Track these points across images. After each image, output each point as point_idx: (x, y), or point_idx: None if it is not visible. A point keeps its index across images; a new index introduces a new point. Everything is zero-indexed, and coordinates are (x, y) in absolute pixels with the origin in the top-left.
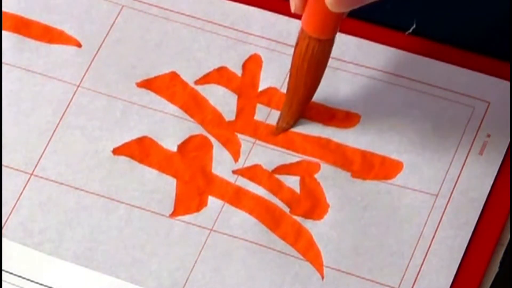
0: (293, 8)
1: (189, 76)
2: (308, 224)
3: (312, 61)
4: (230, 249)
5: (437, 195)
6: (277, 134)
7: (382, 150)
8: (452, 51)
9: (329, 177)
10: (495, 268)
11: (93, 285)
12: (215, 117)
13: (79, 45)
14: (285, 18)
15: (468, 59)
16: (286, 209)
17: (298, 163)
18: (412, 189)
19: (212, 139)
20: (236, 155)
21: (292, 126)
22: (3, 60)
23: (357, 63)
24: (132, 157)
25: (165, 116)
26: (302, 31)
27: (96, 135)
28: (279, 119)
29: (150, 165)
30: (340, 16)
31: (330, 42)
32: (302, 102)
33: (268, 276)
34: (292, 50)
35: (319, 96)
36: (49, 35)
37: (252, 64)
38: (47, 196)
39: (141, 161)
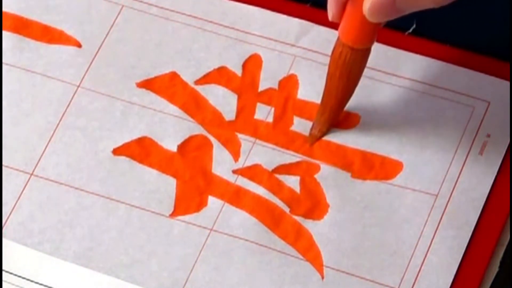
0: (330, 17)
1: (189, 76)
2: (308, 224)
3: (344, 69)
4: (230, 249)
5: (437, 195)
6: (311, 143)
7: (382, 150)
8: (452, 51)
9: (329, 177)
10: (495, 268)
11: (93, 285)
12: (215, 117)
13: (79, 45)
14: (285, 17)
15: (468, 59)
16: (286, 209)
17: (298, 163)
18: (412, 189)
19: (212, 139)
20: (236, 155)
21: (324, 134)
22: (3, 60)
23: None
24: (132, 157)
25: (165, 116)
26: (338, 39)
27: (96, 135)
28: (312, 127)
29: (150, 165)
30: (376, 26)
31: (364, 52)
32: (335, 110)
33: (268, 276)
34: (291, 49)
35: (319, 96)
36: (49, 35)
37: (252, 64)
38: (47, 196)
39: (141, 161)
